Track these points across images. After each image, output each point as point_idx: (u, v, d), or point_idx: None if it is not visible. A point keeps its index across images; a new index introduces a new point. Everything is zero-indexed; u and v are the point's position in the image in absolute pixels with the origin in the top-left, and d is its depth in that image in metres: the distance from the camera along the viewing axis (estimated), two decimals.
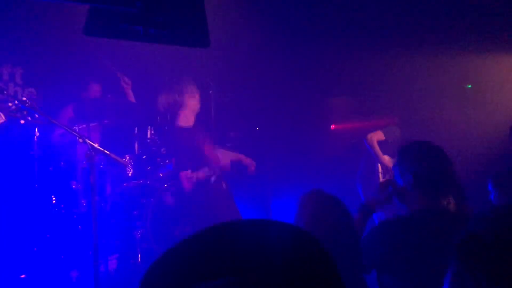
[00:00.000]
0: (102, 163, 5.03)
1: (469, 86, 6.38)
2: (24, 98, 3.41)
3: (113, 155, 3.36)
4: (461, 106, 6.28)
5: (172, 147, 4.92)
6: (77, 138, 3.26)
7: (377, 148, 5.34)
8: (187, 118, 4.71)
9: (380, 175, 5.51)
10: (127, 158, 5.26)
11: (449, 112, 6.35)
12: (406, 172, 2.37)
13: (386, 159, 5.52)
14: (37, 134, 4.96)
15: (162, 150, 5.46)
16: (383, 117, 6.54)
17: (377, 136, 5.52)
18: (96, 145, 3.29)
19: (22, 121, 4.29)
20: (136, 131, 5.62)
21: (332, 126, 7.53)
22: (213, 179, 4.64)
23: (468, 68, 6.10)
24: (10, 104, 3.86)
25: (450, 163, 2.38)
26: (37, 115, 3.71)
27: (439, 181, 2.34)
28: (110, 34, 2.07)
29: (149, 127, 5.60)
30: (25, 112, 3.94)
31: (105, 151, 3.32)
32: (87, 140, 3.24)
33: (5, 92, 3.40)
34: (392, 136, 5.44)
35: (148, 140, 5.49)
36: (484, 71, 6.07)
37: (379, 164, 5.54)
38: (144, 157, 5.37)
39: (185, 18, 2.00)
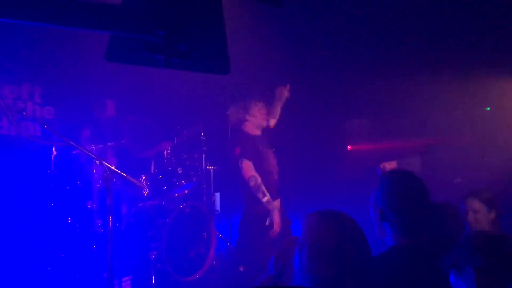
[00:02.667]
0: (118, 183, 5.02)
1: (488, 108, 6.29)
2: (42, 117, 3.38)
3: (130, 178, 3.34)
4: (480, 128, 6.19)
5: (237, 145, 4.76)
6: (94, 160, 3.25)
7: None
8: (254, 128, 4.67)
9: None
10: (143, 178, 5.25)
11: (468, 134, 6.27)
12: (378, 205, 2.24)
13: None
14: (55, 153, 4.99)
15: (178, 170, 5.43)
16: (402, 139, 6.47)
17: (391, 167, 5.44)
18: (113, 167, 3.27)
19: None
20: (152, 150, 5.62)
21: (349, 147, 7.46)
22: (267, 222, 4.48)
23: (487, 91, 6.02)
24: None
25: (425, 197, 2.21)
26: (54, 136, 3.71)
27: (411, 218, 2.17)
28: (132, 60, 2.05)
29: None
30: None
31: (122, 173, 3.30)
32: (104, 162, 3.22)
33: (24, 113, 3.40)
34: (410, 166, 5.33)
35: (165, 160, 5.48)
36: (503, 94, 5.98)
37: None
38: (160, 177, 5.35)
39: (206, 46, 1.98)
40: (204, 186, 5.58)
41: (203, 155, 5.64)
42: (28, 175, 5.19)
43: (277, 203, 4.47)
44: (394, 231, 2.21)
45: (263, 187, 4.36)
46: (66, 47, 5.56)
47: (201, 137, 5.71)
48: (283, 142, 6.47)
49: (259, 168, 4.46)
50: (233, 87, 5.89)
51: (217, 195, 5.79)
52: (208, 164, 5.66)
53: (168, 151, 5.55)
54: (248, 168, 4.40)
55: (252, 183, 4.35)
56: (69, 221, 4.99)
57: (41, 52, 5.60)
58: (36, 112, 5.78)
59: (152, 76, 5.84)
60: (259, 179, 4.37)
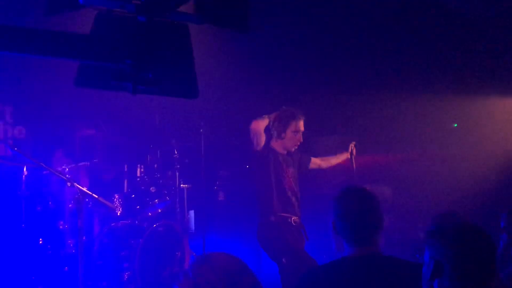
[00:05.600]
0: (90, 203, 4.99)
1: (455, 125, 6.48)
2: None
3: (101, 199, 3.35)
4: (447, 144, 6.36)
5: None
6: (65, 184, 3.25)
7: None
8: (281, 148, 4.49)
9: None
10: (116, 197, 5.22)
11: (436, 149, 6.43)
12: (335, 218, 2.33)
13: None
14: (25, 173, 4.93)
15: (151, 188, 5.42)
16: (371, 155, 6.59)
17: None
18: (84, 189, 3.28)
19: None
20: (125, 169, 5.59)
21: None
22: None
23: (455, 108, 6.21)
24: None
25: (375, 207, 2.31)
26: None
27: (360, 227, 2.26)
28: (100, 86, 2.09)
29: (138, 166, 5.57)
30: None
31: (94, 195, 3.30)
32: (75, 184, 3.22)
33: None
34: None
35: (138, 179, 5.46)
36: (470, 111, 6.17)
37: None
38: (133, 196, 5.33)
39: (174, 72, 2.04)
40: (178, 204, 5.57)
41: (177, 174, 5.63)
42: None
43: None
44: (348, 241, 2.29)
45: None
46: (38, 66, 5.54)
47: (175, 155, 5.71)
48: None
49: (276, 185, 4.33)
50: (208, 105, 5.94)
51: (191, 213, 5.79)
52: (181, 182, 5.66)
53: (142, 170, 5.54)
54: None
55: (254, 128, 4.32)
56: (41, 242, 4.93)
57: (12, 71, 5.56)
58: (7, 132, 5.72)
59: (125, 95, 5.84)
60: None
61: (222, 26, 2.05)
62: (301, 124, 4.46)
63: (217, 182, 6.47)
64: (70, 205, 5.07)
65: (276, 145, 4.48)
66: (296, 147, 4.53)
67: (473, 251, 1.75)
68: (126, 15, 1.89)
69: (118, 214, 5.20)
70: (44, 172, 5.07)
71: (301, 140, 4.50)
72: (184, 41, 2.03)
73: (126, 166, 5.60)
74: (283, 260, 4.15)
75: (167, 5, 1.86)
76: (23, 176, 4.91)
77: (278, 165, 4.39)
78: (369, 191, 2.39)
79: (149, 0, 1.82)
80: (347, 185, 2.47)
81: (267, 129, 4.49)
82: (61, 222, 5.04)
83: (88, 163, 5.35)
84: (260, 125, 4.38)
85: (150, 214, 5.34)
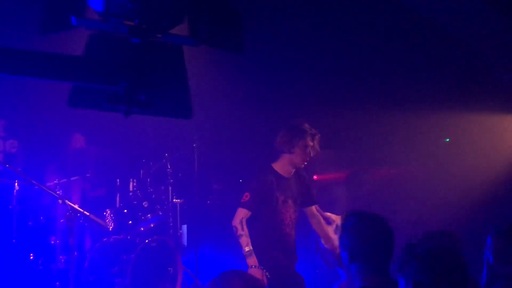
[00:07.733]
0: (82, 218, 4.95)
1: (447, 140, 6.53)
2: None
3: (92, 216, 3.33)
4: (439, 159, 6.40)
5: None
6: (57, 199, 3.23)
7: None
8: (286, 165, 4.35)
9: None
10: (108, 212, 5.19)
11: (428, 164, 6.46)
12: (345, 248, 2.28)
13: None
14: (17, 188, 4.89)
15: (144, 203, 5.39)
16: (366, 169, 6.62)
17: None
18: (76, 206, 3.26)
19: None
20: (118, 183, 5.55)
21: (315, 177, 7.56)
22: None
23: (446, 124, 6.25)
24: None
25: (389, 237, 2.27)
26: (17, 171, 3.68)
27: (377, 257, 2.22)
28: (94, 107, 2.09)
29: (131, 180, 5.54)
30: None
31: (85, 212, 3.28)
32: (66, 201, 3.20)
33: None
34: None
35: (130, 193, 5.43)
36: (461, 127, 6.21)
37: None
38: (125, 211, 5.29)
39: (168, 93, 2.04)
40: (171, 219, 5.54)
41: (170, 188, 5.61)
42: None
43: (253, 260, 4.09)
44: (363, 271, 2.25)
45: (243, 239, 4.10)
46: (31, 80, 5.52)
47: (168, 170, 5.69)
48: (249, 176, 6.52)
49: (269, 217, 4.24)
50: (201, 120, 5.94)
51: (184, 228, 5.76)
52: (174, 197, 5.64)
53: (134, 184, 5.51)
54: (237, 216, 4.17)
55: (234, 231, 4.17)
56: (31, 257, 4.88)
57: (5, 84, 5.54)
58: None
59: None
60: (239, 231, 4.11)
61: (217, 47, 2.06)
62: (311, 140, 4.29)
63: (210, 197, 6.46)
64: (61, 220, 5.03)
65: (280, 164, 4.34)
66: (306, 163, 4.35)
67: (442, 273, 1.92)
68: (119, 36, 1.89)
69: (110, 229, 5.16)
70: (36, 187, 5.03)
71: (311, 155, 4.31)
72: (178, 61, 2.04)
73: (118, 180, 5.57)
74: (267, 274, 4.12)
75: (161, 27, 1.86)
76: (15, 190, 4.88)
77: (273, 190, 4.25)
78: (384, 218, 2.33)
79: (143, 22, 1.82)
80: (360, 211, 2.39)
81: (272, 146, 4.40)
82: (53, 238, 5.00)
83: (80, 178, 5.33)
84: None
85: (142, 229, 5.31)
